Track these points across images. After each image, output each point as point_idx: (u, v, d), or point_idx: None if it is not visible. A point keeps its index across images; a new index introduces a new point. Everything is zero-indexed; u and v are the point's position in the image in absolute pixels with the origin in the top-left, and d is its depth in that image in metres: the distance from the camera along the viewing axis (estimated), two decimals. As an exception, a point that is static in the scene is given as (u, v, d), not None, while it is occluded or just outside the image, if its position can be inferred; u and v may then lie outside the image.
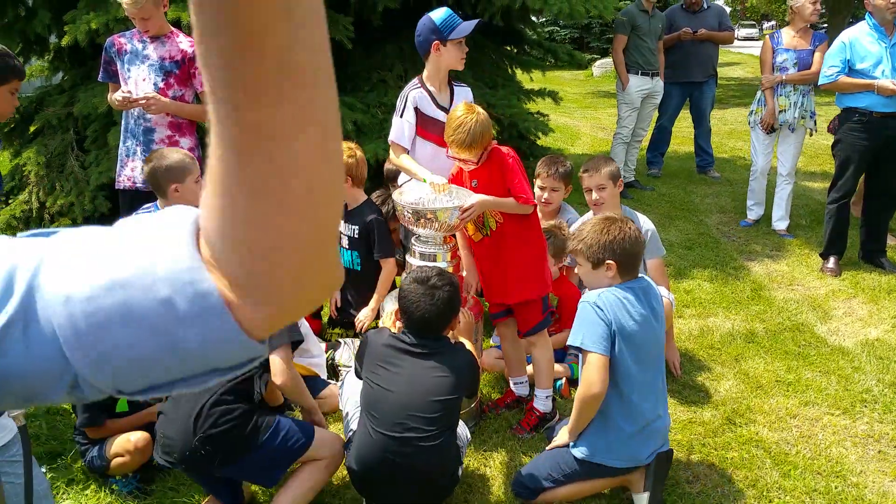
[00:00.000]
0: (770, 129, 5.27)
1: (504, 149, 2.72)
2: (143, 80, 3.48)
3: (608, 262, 2.28)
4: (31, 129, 5.41)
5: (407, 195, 2.83)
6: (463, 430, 2.47)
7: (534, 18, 6.86)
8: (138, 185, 3.55)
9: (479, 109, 2.63)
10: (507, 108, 5.54)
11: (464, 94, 3.23)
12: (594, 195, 3.25)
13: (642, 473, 2.33)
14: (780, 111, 5.17)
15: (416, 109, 3.11)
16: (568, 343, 2.33)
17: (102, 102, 4.71)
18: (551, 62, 7.44)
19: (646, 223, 3.30)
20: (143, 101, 3.31)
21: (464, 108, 2.64)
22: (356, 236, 3.47)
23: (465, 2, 5.60)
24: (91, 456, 2.49)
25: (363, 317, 3.38)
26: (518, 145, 5.87)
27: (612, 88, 6.89)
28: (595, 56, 19.34)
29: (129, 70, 3.49)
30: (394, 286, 3.41)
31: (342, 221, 3.52)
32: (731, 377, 3.29)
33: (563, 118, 11.15)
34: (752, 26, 35.55)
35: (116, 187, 3.62)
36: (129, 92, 3.33)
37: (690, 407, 3.03)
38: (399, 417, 2.17)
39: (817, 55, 5.02)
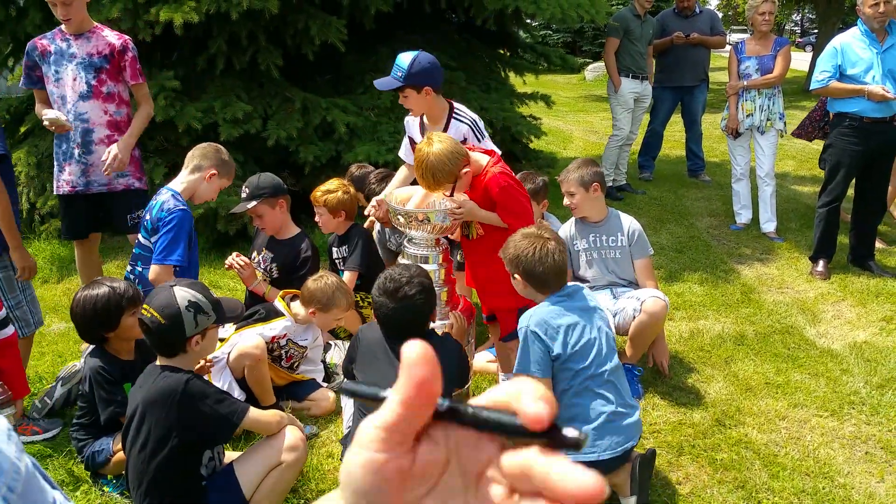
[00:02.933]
0: (736, 134, 5.46)
1: (495, 178, 2.60)
2: (74, 79, 3.30)
3: (515, 276, 2.38)
4: (22, 129, 5.39)
5: (399, 197, 2.84)
6: None
7: (527, 22, 6.89)
8: (79, 188, 3.39)
9: (437, 142, 2.50)
10: (499, 112, 5.56)
11: (455, 128, 3.05)
12: (566, 200, 3.32)
13: (627, 477, 2.34)
14: (748, 115, 5.35)
15: (409, 138, 3.24)
16: (514, 371, 2.38)
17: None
18: (544, 66, 7.49)
19: (631, 224, 3.32)
20: (107, 170, 3.23)
21: (423, 142, 2.55)
22: (348, 256, 3.52)
23: (458, 5, 5.63)
24: (92, 451, 2.46)
25: None
26: (510, 148, 5.89)
27: (604, 92, 6.93)
28: (588, 60, 19.43)
29: (56, 71, 3.31)
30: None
31: (335, 247, 3.57)
32: (720, 379, 3.31)
33: (556, 122, 11.20)
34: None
35: (55, 192, 3.48)
36: (64, 119, 3.19)
37: (680, 408, 3.05)
38: None
39: (778, 59, 5.23)
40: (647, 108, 6.64)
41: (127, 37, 3.44)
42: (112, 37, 3.38)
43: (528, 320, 2.31)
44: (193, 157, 2.94)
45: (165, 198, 2.85)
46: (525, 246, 2.35)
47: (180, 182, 2.92)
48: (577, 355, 2.28)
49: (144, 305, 2.10)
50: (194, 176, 2.91)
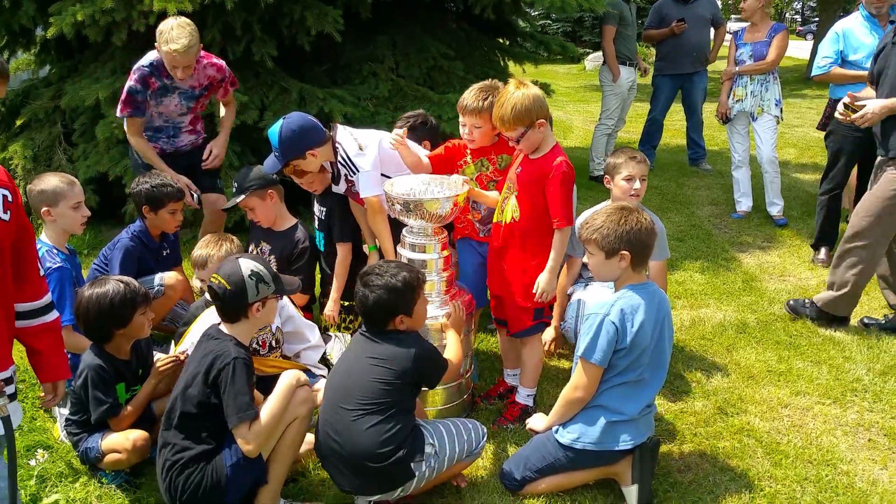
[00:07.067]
0: (725, 119, 5.48)
1: (565, 165, 2.59)
2: (176, 105, 3.67)
3: (622, 252, 2.26)
4: (18, 122, 5.35)
5: (398, 186, 2.80)
6: (477, 442, 2.37)
7: (526, 11, 6.84)
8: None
9: (529, 87, 2.53)
10: (498, 101, 5.51)
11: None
12: (636, 184, 3.01)
13: (629, 465, 2.33)
14: (738, 101, 5.36)
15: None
16: (576, 352, 2.33)
17: (90, 95, 4.67)
18: (543, 55, 7.43)
19: (657, 223, 3.26)
20: (208, 165, 3.85)
21: (513, 82, 2.56)
22: (323, 217, 3.42)
23: (457, -7, 5.57)
24: (86, 447, 2.46)
25: (328, 311, 3.32)
26: (510, 138, 5.84)
27: (604, 81, 6.86)
28: (587, 50, 19.32)
29: (160, 100, 3.61)
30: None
31: (316, 203, 3.48)
32: (722, 367, 3.29)
33: (555, 111, 11.13)
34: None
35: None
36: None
37: (682, 397, 3.03)
38: (337, 399, 2.22)
39: (772, 45, 5.21)
40: (636, 92, 6.68)
41: (222, 64, 3.74)
42: (211, 70, 3.67)
43: (609, 309, 2.25)
44: (32, 208, 2.88)
45: (40, 256, 2.79)
46: (633, 220, 2.26)
47: (45, 236, 2.90)
48: (636, 360, 2.27)
49: (213, 274, 2.28)
50: (45, 224, 2.87)
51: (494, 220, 2.80)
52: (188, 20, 3.44)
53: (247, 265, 2.28)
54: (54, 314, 1.99)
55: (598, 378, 2.29)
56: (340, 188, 3.23)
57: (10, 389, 1.69)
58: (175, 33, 3.31)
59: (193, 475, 2.11)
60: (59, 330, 2.06)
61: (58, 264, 2.78)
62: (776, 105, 5.31)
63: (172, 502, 2.15)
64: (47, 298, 1.97)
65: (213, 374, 2.13)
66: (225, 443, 2.17)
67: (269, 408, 2.18)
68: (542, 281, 2.61)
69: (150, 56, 3.54)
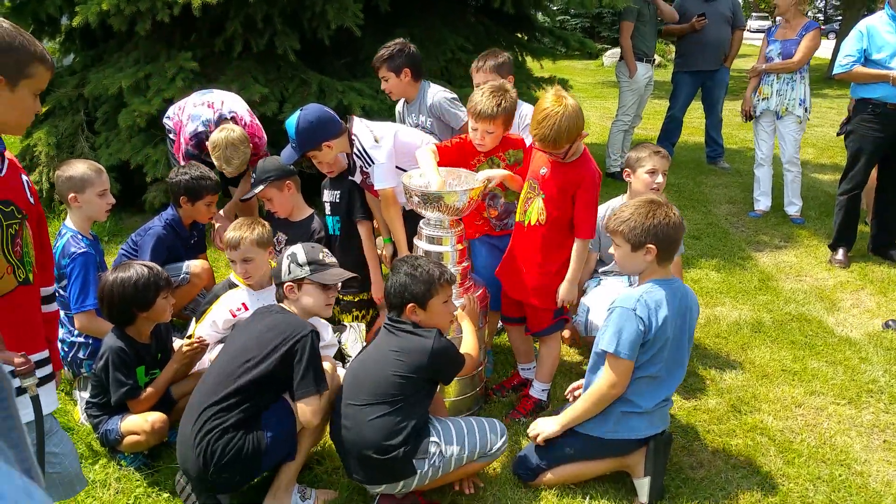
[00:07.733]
0: (748, 117, 5.47)
1: (597, 173, 2.60)
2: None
3: (649, 245, 2.25)
4: (42, 109, 5.43)
5: (416, 179, 2.82)
6: (493, 443, 2.32)
7: (546, 4, 6.82)
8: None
9: (568, 100, 2.45)
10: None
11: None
12: (659, 178, 3.02)
13: (642, 457, 2.34)
14: (764, 99, 5.32)
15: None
16: (602, 348, 2.29)
17: (113, 84, 4.73)
18: (562, 51, 7.40)
19: None
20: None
21: (552, 97, 2.47)
22: (337, 200, 3.42)
23: (477, -13, 5.57)
24: (105, 429, 2.52)
25: (376, 294, 3.33)
26: (527, 133, 5.83)
27: (622, 78, 6.82)
28: (606, 46, 19.19)
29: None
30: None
31: (326, 189, 3.51)
32: (736, 366, 3.29)
33: (573, 108, 11.07)
34: (766, 17, 35.14)
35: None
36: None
37: (696, 394, 3.03)
38: (352, 387, 2.26)
39: (801, 43, 5.14)
40: (652, 89, 6.67)
41: (261, 142, 3.76)
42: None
43: (634, 303, 2.23)
44: (58, 194, 2.94)
45: (65, 241, 2.87)
46: (662, 214, 2.25)
47: (70, 221, 2.95)
48: (657, 355, 2.27)
49: None
50: (71, 210, 2.93)
51: (517, 219, 2.81)
52: (241, 133, 3.47)
53: (293, 247, 2.38)
54: (55, 305, 2.03)
55: (630, 372, 2.26)
56: (356, 179, 3.27)
57: (42, 371, 1.72)
58: (228, 154, 3.42)
59: (234, 440, 2.13)
60: (57, 321, 2.11)
61: (83, 249, 2.84)
62: (800, 105, 5.24)
63: (205, 468, 2.13)
64: (52, 289, 2.00)
65: (290, 344, 2.18)
66: (265, 415, 2.22)
67: None
68: (562, 291, 2.65)
69: (203, 114, 3.61)
